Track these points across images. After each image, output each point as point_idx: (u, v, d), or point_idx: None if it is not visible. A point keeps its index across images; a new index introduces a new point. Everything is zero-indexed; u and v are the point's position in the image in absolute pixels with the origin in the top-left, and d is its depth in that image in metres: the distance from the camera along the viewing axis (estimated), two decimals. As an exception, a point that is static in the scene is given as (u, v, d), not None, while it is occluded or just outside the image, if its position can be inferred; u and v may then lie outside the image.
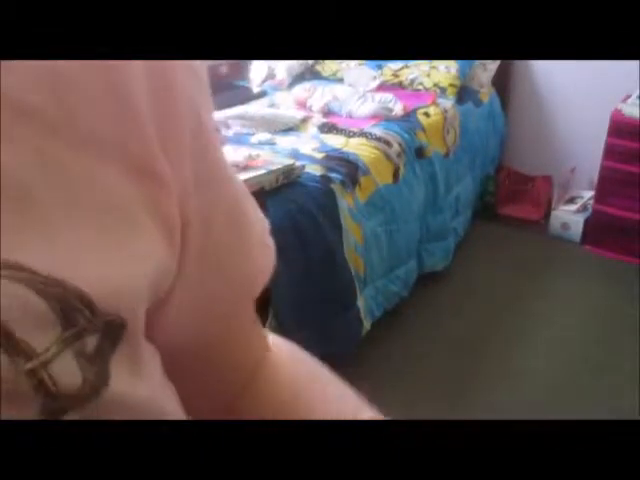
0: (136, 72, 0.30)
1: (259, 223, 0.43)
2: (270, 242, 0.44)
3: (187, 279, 0.36)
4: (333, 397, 0.50)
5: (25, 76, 0.26)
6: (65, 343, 0.26)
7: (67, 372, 0.27)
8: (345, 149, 2.26)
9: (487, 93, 3.07)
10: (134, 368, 0.32)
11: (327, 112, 2.60)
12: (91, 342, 0.28)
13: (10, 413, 0.25)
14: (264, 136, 2.31)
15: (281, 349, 0.52)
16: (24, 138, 0.26)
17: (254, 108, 2.57)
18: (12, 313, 0.25)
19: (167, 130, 0.32)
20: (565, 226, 3.00)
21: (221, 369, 0.46)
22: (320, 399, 0.50)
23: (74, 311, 0.27)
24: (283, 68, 2.90)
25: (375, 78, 2.84)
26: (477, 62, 2.99)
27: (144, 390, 0.33)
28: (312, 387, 0.51)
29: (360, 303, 2.10)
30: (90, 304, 0.27)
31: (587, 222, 2.93)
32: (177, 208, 0.33)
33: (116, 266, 0.29)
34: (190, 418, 0.41)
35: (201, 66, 0.36)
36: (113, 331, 0.29)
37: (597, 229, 2.87)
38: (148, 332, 0.34)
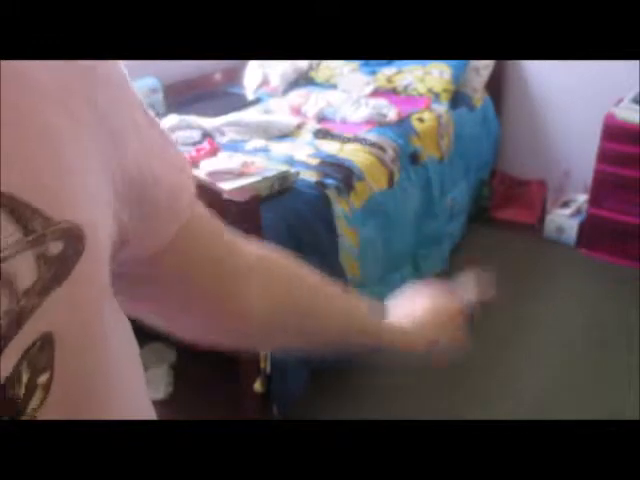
0: None
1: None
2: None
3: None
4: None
5: None
6: (26, 245, 0.30)
7: (25, 269, 0.30)
8: (340, 155, 2.26)
9: (480, 98, 3.08)
10: (92, 278, 0.35)
11: (321, 118, 2.60)
12: (55, 247, 0.31)
13: None
14: (259, 143, 2.31)
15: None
16: None
17: (248, 115, 2.57)
18: None
19: None
20: (560, 230, 3.00)
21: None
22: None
23: (30, 220, 0.30)
24: (277, 74, 2.90)
25: (369, 84, 2.84)
26: (470, 67, 3.00)
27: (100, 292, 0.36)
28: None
29: (356, 308, 2.09)
30: (39, 212, 0.30)
31: (582, 225, 2.94)
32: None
33: (64, 178, 0.32)
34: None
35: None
36: (74, 240, 0.32)
37: (592, 232, 2.88)
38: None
